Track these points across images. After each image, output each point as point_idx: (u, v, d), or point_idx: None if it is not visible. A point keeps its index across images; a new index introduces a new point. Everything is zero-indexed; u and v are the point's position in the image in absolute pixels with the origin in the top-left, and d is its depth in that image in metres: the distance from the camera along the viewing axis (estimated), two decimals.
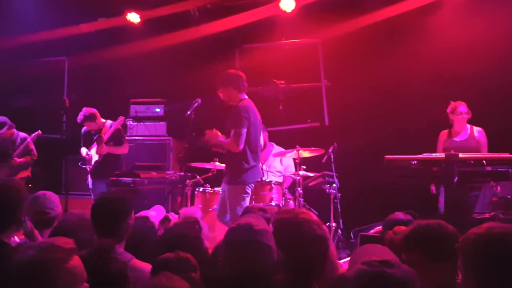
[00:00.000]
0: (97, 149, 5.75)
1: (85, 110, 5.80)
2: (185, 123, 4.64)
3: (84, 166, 5.91)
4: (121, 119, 5.82)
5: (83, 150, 5.95)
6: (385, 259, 1.57)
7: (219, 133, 4.35)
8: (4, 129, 6.12)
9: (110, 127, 5.80)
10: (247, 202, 4.31)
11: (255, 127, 4.32)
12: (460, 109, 4.93)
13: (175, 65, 7.09)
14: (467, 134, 5.01)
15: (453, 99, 5.05)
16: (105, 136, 5.73)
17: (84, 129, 5.97)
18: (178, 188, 5.77)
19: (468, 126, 5.02)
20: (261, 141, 4.77)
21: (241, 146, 4.21)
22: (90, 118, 5.79)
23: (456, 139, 5.02)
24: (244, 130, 4.21)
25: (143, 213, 3.47)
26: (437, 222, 2.10)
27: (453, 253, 1.92)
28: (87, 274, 1.72)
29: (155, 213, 3.69)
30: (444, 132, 5.10)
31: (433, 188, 4.95)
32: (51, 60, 7.68)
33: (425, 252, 1.98)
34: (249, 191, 4.35)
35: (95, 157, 5.83)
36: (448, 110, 5.03)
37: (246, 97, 4.42)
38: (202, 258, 2.13)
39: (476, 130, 5.02)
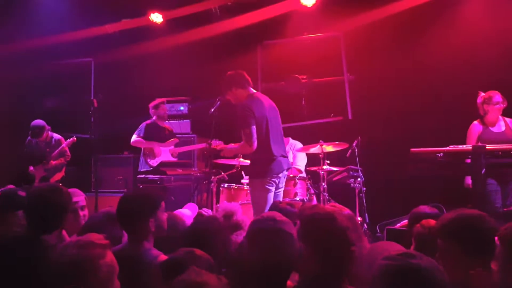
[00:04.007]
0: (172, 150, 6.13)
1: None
2: (209, 121, 4.69)
3: (150, 161, 6.11)
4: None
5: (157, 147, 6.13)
6: (404, 251, 1.58)
7: (226, 145, 4.42)
8: (44, 135, 6.37)
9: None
10: (270, 196, 4.18)
11: (264, 119, 4.21)
12: (496, 99, 4.70)
13: (198, 63, 7.15)
14: (504, 125, 4.78)
15: (479, 89, 4.87)
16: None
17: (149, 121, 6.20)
18: (204, 184, 5.85)
19: (500, 116, 4.79)
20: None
21: (255, 145, 4.14)
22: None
23: (494, 129, 4.75)
24: (253, 128, 4.13)
25: (176, 212, 3.48)
26: (479, 214, 2.03)
27: (490, 248, 1.89)
28: None
29: (190, 212, 3.71)
30: (477, 123, 4.80)
31: (468, 182, 4.69)
32: (78, 61, 7.87)
33: (461, 244, 1.94)
34: (271, 186, 4.19)
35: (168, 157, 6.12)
36: (480, 100, 4.77)
37: (253, 90, 4.36)
38: (221, 253, 2.19)
39: (509, 120, 4.82)
